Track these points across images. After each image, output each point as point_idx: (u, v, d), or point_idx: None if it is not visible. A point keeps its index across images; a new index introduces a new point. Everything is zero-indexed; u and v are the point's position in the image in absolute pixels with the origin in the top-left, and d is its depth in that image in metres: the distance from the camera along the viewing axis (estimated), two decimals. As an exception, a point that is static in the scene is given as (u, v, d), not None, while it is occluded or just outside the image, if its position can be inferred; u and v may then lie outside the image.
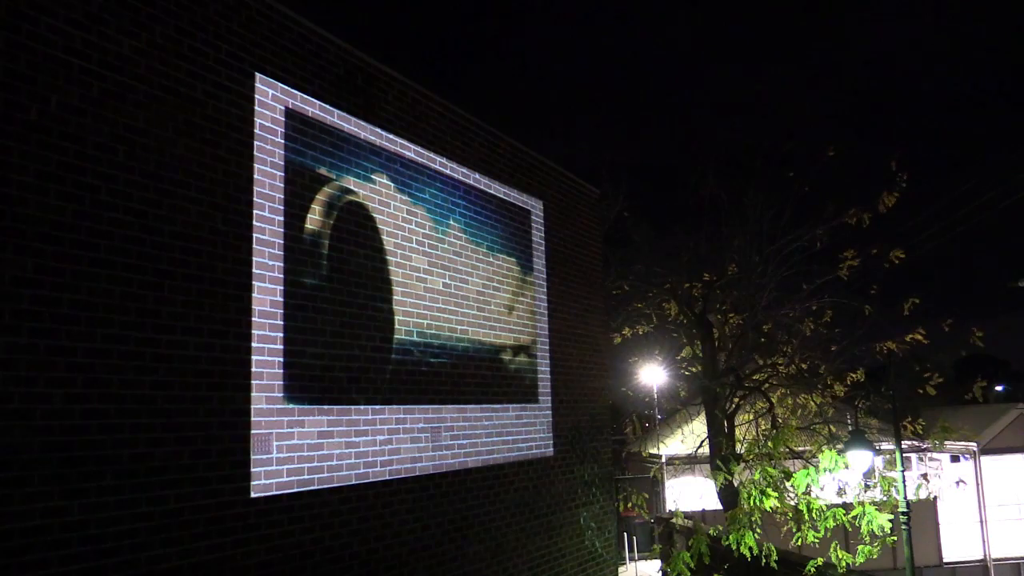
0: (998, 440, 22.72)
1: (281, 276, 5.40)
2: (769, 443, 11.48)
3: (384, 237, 6.44)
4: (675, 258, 14.95)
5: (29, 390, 3.90)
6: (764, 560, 10.17)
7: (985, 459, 22.63)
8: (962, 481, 19.38)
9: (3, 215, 3.86)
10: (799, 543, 10.82)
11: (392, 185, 6.60)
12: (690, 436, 19.05)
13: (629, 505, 14.33)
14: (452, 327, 7.18)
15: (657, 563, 17.84)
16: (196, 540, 4.63)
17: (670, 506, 20.65)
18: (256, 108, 5.37)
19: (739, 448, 13.44)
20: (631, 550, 19.67)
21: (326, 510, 5.58)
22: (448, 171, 7.36)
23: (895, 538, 10.41)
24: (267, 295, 5.28)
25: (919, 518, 18.69)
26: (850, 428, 12.22)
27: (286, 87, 5.63)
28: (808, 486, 10.11)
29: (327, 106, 5.99)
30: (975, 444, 22.28)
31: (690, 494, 20.45)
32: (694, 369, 15.14)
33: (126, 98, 4.49)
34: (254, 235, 5.23)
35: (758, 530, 10.28)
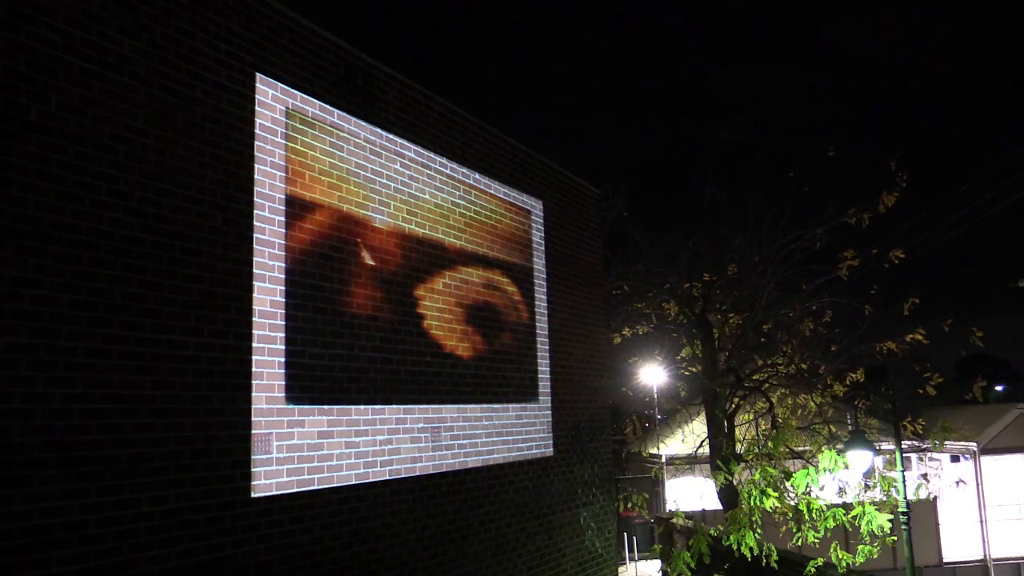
0: (998, 440, 22.72)
1: (281, 276, 5.41)
2: (769, 443, 11.48)
3: (384, 237, 6.44)
4: (675, 258, 14.94)
5: (29, 390, 3.90)
6: (764, 560, 10.16)
7: (985, 459, 22.63)
8: (962, 481, 19.39)
9: (3, 215, 3.86)
10: (799, 543, 10.82)
11: (392, 185, 6.60)
12: (690, 436, 19.05)
13: (629, 505, 14.33)
14: (452, 326, 7.17)
15: (657, 563, 17.84)
16: (196, 540, 4.63)
17: (670, 506, 20.69)
18: (256, 108, 5.37)
19: (739, 448, 13.43)
20: (631, 550, 19.68)
21: (326, 510, 5.58)
22: (448, 171, 7.36)
23: (895, 538, 10.40)
24: (267, 295, 5.28)
25: (919, 518, 18.70)
26: (850, 428, 12.22)
27: (286, 87, 5.63)
28: (808, 486, 10.10)
29: (327, 106, 5.99)
30: (975, 444, 22.29)
31: (690, 494, 20.48)
32: (694, 369, 15.13)
33: (126, 98, 4.49)
34: (254, 235, 5.23)
35: (758, 530, 10.27)
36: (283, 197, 5.50)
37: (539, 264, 8.79)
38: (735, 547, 10.19)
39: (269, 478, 5.16)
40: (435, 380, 6.86)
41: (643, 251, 15.40)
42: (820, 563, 10.48)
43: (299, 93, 5.74)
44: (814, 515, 10.27)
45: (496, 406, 7.71)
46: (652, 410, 26.25)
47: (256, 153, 5.32)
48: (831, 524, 10.21)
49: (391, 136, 6.65)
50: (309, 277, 5.64)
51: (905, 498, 9.92)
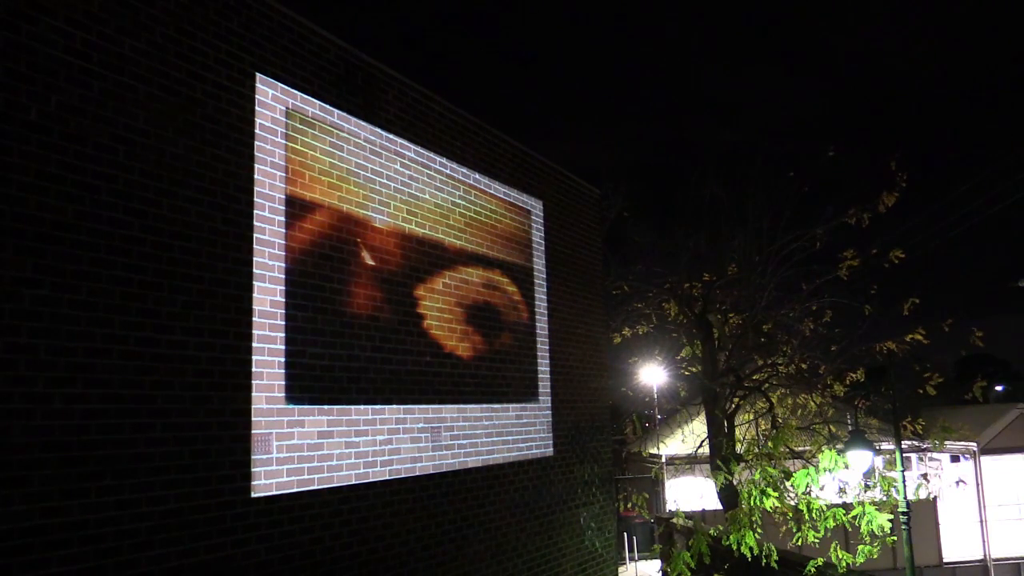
0: (998, 440, 22.72)
1: (281, 276, 5.41)
2: (769, 443, 11.49)
3: (384, 237, 6.44)
4: (675, 258, 14.96)
5: (29, 390, 3.89)
6: (764, 560, 10.17)
7: (985, 459, 22.63)
8: (962, 481, 19.39)
9: (3, 215, 3.86)
10: (799, 543, 10.83)
11: (392, 185, 6.60)
12: (690, 436, 19.05)
13: (629, 505, 14.34)
14: (452, 326, 7.18)
15: (657, 563, 17.85)
16: (196, 540, 4.63)
17: (670, 506, 20.70)
18: (256, 108, 5.37)
19: (739, 448, 13.44)
20: (631, 550, 19.69)
21: (326, 510, 5.58)
22: (448, 171, 7.37)
23: (895, 538, 10.42)
24: (267, 295, 5.28)
25: (919, 518, 18.70)
26: (850, 428, 12.22)
27: (286, 87, 5.63)
28: (808, 486, 10.11)
29: (327, 106, 5.99)
30: (975, 444, 22.28)
31: (690, 494, 20.48)
32: (694, 369, 15.14)
33: (126, 98, 4.49)
34: (254, 235, 5.23)
35: (759, 530, 10.28)
36: (283, 197, 5.50)
37: (539, 264, 8.79)
38: (735, 547, 10.20)
39: (269, 478, 5.16)
40: (435, 380, 6.86)
41: (643, 251, 15.42)
42: (820, 563, 10.49)
43: (299, 93, 5.74)
44: (814, 515, 10.28)
45: (496, 406, 7.71)
46: (652, 410, 26.26)
47: (256, 153, 5.32)
48: (831, 524, 10.22)
49: (391, 136, 6.65)
50: (309, 277, 5.64)
51: (905, 498, 9.93)
